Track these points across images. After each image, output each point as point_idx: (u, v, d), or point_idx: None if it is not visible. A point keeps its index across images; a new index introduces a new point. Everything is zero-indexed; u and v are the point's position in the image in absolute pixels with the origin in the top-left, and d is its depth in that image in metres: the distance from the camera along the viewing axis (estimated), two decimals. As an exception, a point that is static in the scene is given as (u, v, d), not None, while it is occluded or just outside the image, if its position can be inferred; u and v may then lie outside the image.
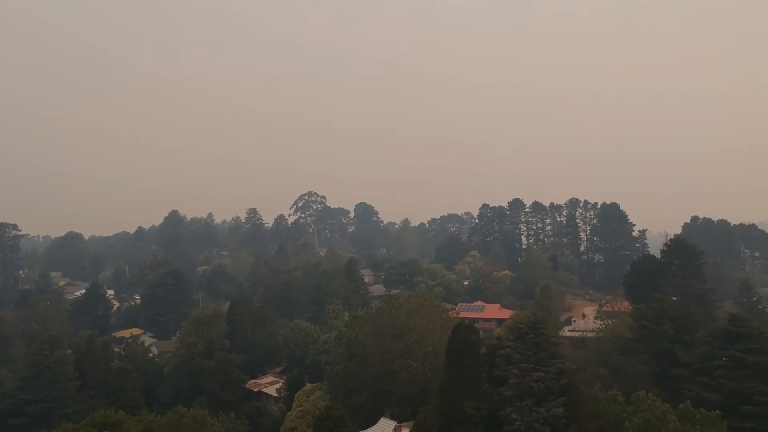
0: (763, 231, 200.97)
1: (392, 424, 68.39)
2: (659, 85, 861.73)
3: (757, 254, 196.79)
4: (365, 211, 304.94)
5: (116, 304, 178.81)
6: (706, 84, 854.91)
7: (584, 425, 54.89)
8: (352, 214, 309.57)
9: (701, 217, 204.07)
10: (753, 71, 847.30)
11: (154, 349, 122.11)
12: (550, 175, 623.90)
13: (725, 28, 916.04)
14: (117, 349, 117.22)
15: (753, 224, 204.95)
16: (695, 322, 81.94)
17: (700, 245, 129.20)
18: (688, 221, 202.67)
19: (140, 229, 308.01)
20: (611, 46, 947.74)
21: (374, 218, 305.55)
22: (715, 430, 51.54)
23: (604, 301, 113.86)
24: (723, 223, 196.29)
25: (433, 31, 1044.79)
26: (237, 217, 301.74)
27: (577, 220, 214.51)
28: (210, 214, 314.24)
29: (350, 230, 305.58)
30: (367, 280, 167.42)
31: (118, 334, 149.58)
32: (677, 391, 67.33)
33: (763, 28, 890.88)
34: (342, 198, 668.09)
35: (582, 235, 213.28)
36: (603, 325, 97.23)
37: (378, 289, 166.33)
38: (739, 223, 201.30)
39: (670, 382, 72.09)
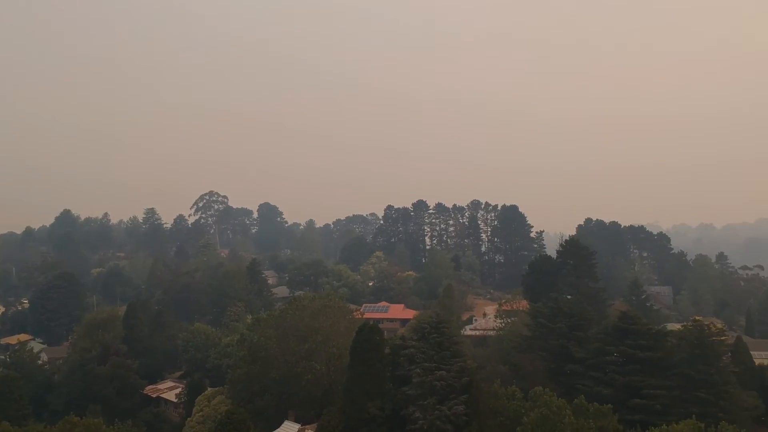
0: (651, 232, 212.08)
1: (296, 426, 67.71)
2: (552, 101, 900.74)
3: (645, 254, 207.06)
4: (269, 211, 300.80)
5: (1, 309, 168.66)
6: (598, 97, 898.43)
7: (485, 422, 56.06)
8: (255, 215, 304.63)
9: (594, 219, 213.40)
10: (631, 78, 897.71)
11: (44, 356, 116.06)
12: (452, 178, 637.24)
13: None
14: (2, 357, 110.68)
15: (642, 226, 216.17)
16: (588, 320, 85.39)
17: (592, 246, 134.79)
18: (582, 223, 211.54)
19: (29, 230, 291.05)
20: (507, 64, 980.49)
21: (278, 219, 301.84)
22: (607, 423, 53.78)
23: (503, 300, 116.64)
24: (614, 224, 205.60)
25: (339, 33, 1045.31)
26: (134, 217, 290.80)
27: (479, 222, 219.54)
28: (106, 214, 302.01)
29: (253, 231, 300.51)
30: (270, 281, 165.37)
31: (4, 340, 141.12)
32: (572, 386, 69.88)
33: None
34: (245, 198, 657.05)
35: (483, 236, 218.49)
36: (503, 324, 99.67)
37: (282, 291, 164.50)
38: (629, 224, 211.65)
39: (565, 378, 74.70)
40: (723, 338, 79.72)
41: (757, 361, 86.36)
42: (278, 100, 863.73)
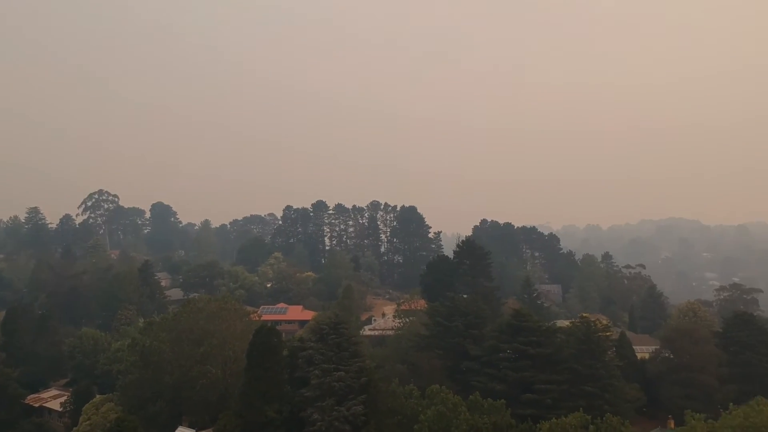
0: (542, 233, 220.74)
1: (190, 432, 65.87)
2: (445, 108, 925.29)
3: (537, 254, 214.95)
4: (162, 211, 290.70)
5: None
6: (487, 107, 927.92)
7: (383, 421, 56.41)
8: (147, 215, 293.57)
9: (489, 220, 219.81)
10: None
11: None
12: (352, 179, 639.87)
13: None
14: None
15: (533, 227, 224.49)
16: (483, 318, 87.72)
17: (488, 246, 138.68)
18: (478, 224, 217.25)
19: None
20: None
21: (172, 219, 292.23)
22: (500, 418, 55.32)
23: (402, 300, 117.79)
24: (508, 225, 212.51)
25: (234, 26, 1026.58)
26: (15, 216, 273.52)
27: (378, 222, 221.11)
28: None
29: (146, 231, 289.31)
30: (163, 283, 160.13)
31: None
32: (468, 383, 71.57)
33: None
34: (136, 197, 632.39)
35: (383, 236, 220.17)
36: (401, 323, 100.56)
37: (176, 293, 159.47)
38: (522, 225, 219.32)
39: (461, 375, 76.41)
40: (608, 334, 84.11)
41: (639, 355, 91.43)
42: (169, 92, 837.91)
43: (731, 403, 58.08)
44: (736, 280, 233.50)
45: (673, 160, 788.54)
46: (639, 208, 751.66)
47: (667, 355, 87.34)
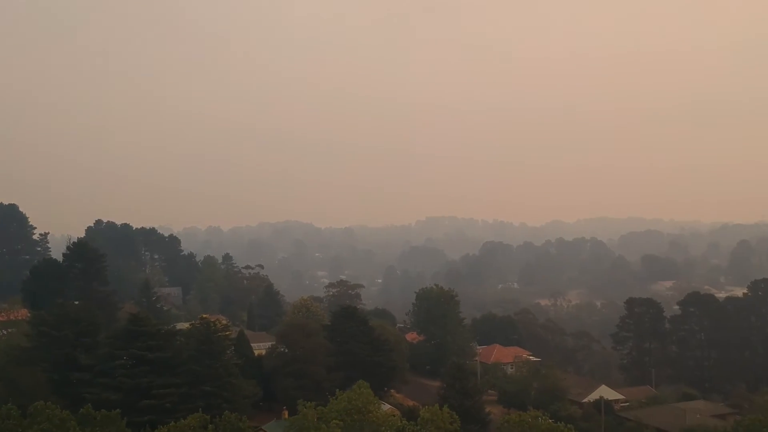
0: (162, 235, 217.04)
1: None
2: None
3: (156, 256, 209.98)
4: None
5: None
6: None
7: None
8: None
9: (105, 220, 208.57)
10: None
11: None
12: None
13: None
14: None
15: (153, 228, 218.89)
16: (97, 325, 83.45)
17: (103, 248, 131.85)
18: (92, 225, 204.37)
19: None
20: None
21: None
22: (115, 429, 52.85)
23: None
24: (126, 227, 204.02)
25: None
26: None
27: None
28: None
29: None
30: None
31: None
32: (79, 396, 66.91)
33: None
34: None
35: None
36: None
37: None
38: (141, 227, 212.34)
39: (71, 388, 71.40)
40: (227, 333, 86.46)
41: (256, 352, 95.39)
42: None
43: (338, 389, 64.23)
44: (343, 277, 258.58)
45: (289, 164, 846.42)
46: (258, 211, 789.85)
47: (282, 349, 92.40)
